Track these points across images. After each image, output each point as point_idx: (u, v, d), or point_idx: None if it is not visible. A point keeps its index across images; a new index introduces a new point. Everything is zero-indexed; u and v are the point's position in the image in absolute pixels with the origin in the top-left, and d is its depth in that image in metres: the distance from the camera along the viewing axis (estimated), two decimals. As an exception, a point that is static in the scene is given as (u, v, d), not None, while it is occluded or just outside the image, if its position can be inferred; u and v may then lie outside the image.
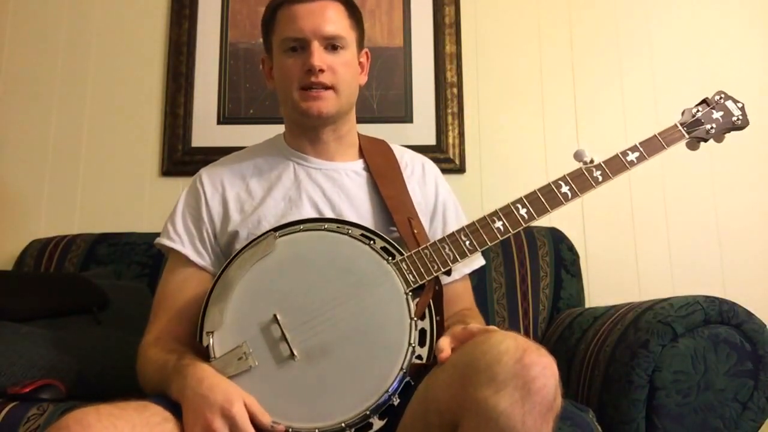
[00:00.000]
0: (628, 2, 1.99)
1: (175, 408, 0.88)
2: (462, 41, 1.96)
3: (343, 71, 1.13)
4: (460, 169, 1.88)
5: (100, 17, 1.99)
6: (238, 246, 1.09)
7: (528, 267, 1.63)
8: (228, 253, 1.12)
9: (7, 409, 1.03)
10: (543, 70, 1.96)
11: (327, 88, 1.11)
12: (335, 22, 1.12)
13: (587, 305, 1.67)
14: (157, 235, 1.17)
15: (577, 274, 1.66)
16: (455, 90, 1.92)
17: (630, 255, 1.85)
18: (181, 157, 1.89)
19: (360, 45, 1.20)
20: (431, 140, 1.90)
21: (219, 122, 1.92)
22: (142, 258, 1.66)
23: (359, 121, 1.28)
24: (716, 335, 1.08)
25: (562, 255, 1.66)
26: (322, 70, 1.10)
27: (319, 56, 1.10)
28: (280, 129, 1.27)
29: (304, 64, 1.10)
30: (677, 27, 1.98)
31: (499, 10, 1.99)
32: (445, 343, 0.90)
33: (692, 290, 1.29)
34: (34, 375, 1.15)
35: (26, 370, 1.16)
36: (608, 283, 1.82)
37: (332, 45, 1.12)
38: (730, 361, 1.08)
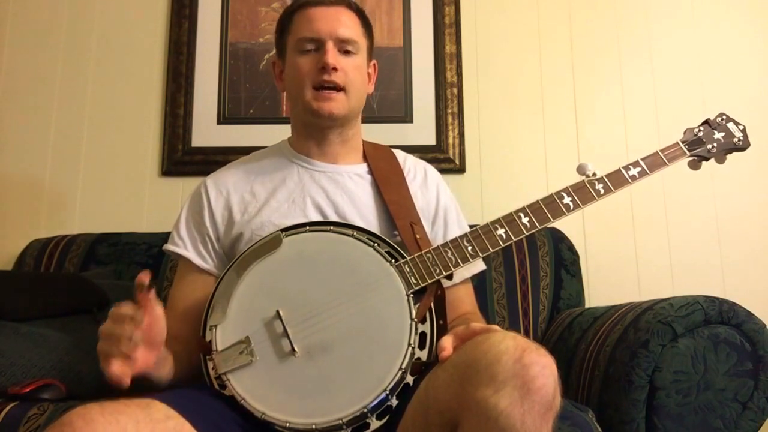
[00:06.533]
0: (629, 2, 1.99)
1: (179, 405, 0.88)
2: (462, 41, 1.96)
3: (354, 74, 1.17)
4: (460, 169, 1.88)
5: (100, 17, 1.99)
6: (242, 247, 1.11)
7: (528, 267, 1.63)
8: (232, 255, 1.13)
9: (7, 409, 1.03)
10: (543, 70, 1.96)
11: (338, 89, 1.15)
12: (350, 27, 1.17)
13: (587, 305, 1.67)
14: (158, 234, 1.19)
15: (577, 274, 1.66)
16: (455, 90, 1.92)
17: (630, 255, 1.85)
18: (181, 157, 1.89)
19: (370, 55, 1.24)
20: (431, 140, 1.90)
21: (219, 122, 1.92)
22: (142, 258, 1.66)
23: (359, 121, 1.29)
24: (716, 335, 1.08)
25: (562, 255, 1.66)
26: (335, 69, 1.13)
27: (333, 56, 1.14)
28: (279, 129, 1.27)
29: (318, 62, 1.14)
30: (678, 26, 1.98)
31: (499, 10, 1.99)
32: (447, 342, 0.90)
33: (692, 290, 1.29)
34: (34, 375, 1.16)
35: (26, 370, 1.16)
36: (608, 283, 1.82)
37: (345, 49, 1.16)
38: (730, 361, 1.08)
